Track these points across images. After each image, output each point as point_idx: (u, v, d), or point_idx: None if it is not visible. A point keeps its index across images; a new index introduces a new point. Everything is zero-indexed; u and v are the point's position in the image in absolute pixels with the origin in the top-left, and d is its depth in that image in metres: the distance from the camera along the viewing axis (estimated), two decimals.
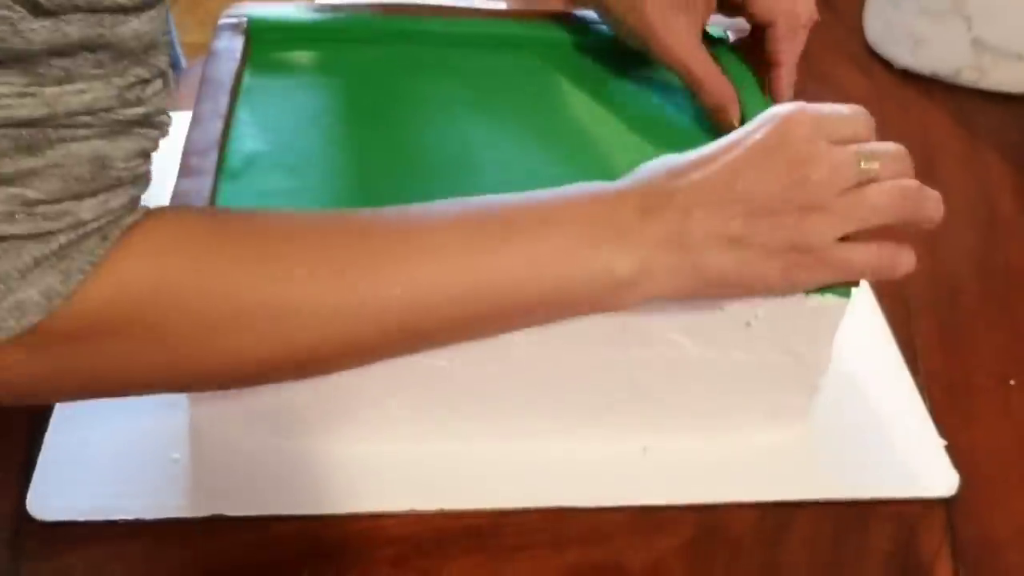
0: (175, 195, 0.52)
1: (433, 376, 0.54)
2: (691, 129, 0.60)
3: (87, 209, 0.37)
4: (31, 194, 0.36)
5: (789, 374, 0.56)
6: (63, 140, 0.36)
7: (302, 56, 0.63)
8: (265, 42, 0.64)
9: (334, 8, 0.66)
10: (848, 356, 0.61)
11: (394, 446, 0.56)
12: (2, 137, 0.35)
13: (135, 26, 0.37)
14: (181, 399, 0.56)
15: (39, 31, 0.34)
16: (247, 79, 0.61)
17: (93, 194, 0.38)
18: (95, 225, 0.38)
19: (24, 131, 0.35)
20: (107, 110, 0.37)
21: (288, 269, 0.41)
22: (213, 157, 0.54)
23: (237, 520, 0.53)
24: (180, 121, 0.58)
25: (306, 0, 0.72)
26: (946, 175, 0.80)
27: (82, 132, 0.37)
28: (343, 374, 0.53)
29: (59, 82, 0.35)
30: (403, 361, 0.53)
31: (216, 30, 0.63)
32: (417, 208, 0.44)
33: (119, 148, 0.38)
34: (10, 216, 0.36)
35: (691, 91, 0.58)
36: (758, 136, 0.46)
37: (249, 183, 0.54)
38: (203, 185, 0.53)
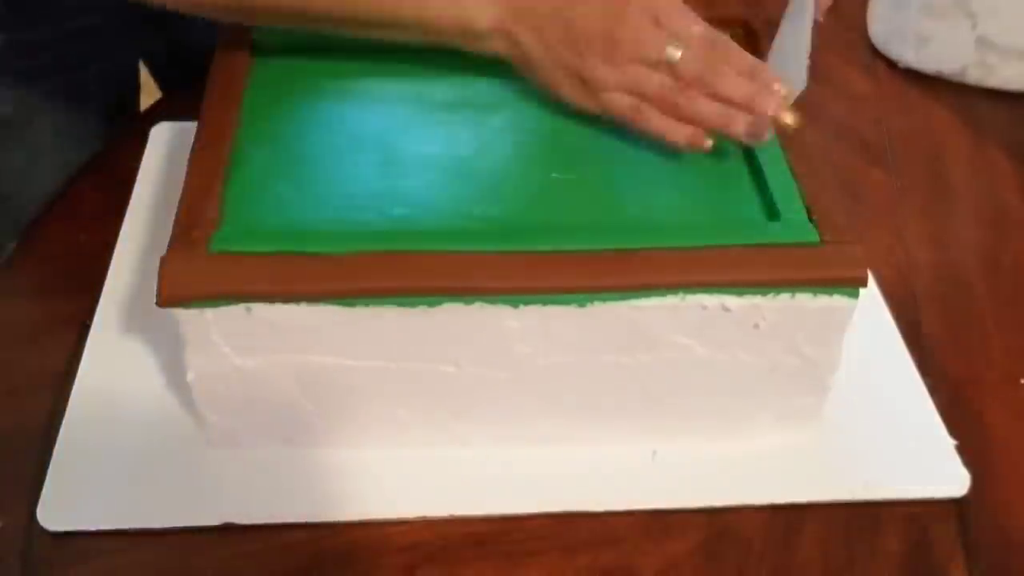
0: (182, 200, 0.53)
1: (441, 383, 0.54)
2: None
3: None
4: None
5: (798, 375, 0.56)
6: None
7: (307, 65, 0.63)
8: (269, 51, 0.64)
9: None
10: (857, 357, 0.61)
11: (403, 453, 0.56)
12: None
13: None
14: (191, 412, 0.56)
15: None
16: (251, 89, 0.61)
17: None
18: None
19: None
20: None
21: None
22: (220, 167, 0.55)
23: (248, 528, 0.53)
24: (187, 130, 0.58)
25: None
26: (953, 174, 0.80)
27: None
28: (353, 382, 0.53)
29: None
30: (412, 368, 0.53)
31: (219, 40, 0.64)
32: None
33: None
34: None
35: None
36: None
37: (257, 192, 0.54)
38: (212, 191, 0.53)
